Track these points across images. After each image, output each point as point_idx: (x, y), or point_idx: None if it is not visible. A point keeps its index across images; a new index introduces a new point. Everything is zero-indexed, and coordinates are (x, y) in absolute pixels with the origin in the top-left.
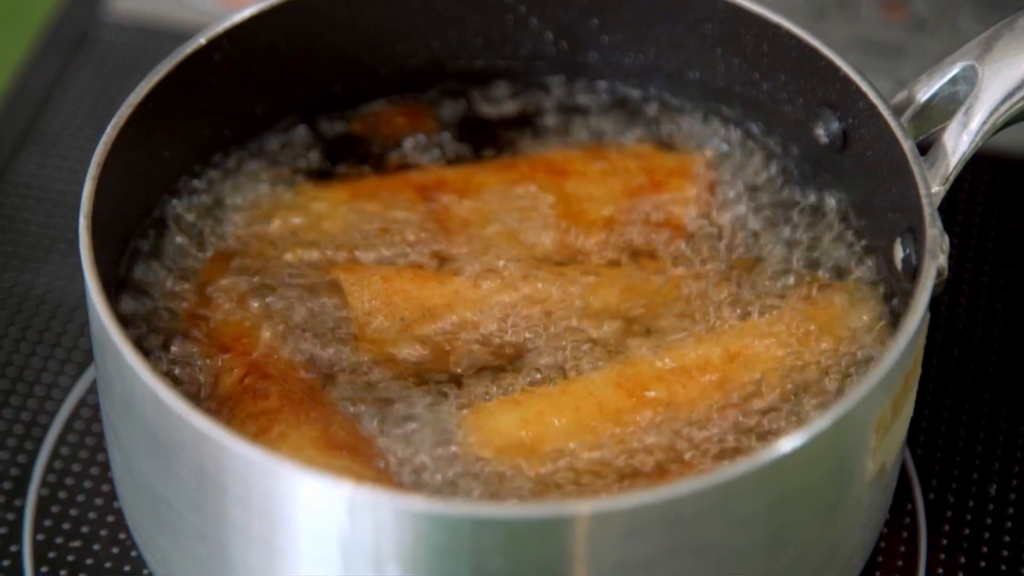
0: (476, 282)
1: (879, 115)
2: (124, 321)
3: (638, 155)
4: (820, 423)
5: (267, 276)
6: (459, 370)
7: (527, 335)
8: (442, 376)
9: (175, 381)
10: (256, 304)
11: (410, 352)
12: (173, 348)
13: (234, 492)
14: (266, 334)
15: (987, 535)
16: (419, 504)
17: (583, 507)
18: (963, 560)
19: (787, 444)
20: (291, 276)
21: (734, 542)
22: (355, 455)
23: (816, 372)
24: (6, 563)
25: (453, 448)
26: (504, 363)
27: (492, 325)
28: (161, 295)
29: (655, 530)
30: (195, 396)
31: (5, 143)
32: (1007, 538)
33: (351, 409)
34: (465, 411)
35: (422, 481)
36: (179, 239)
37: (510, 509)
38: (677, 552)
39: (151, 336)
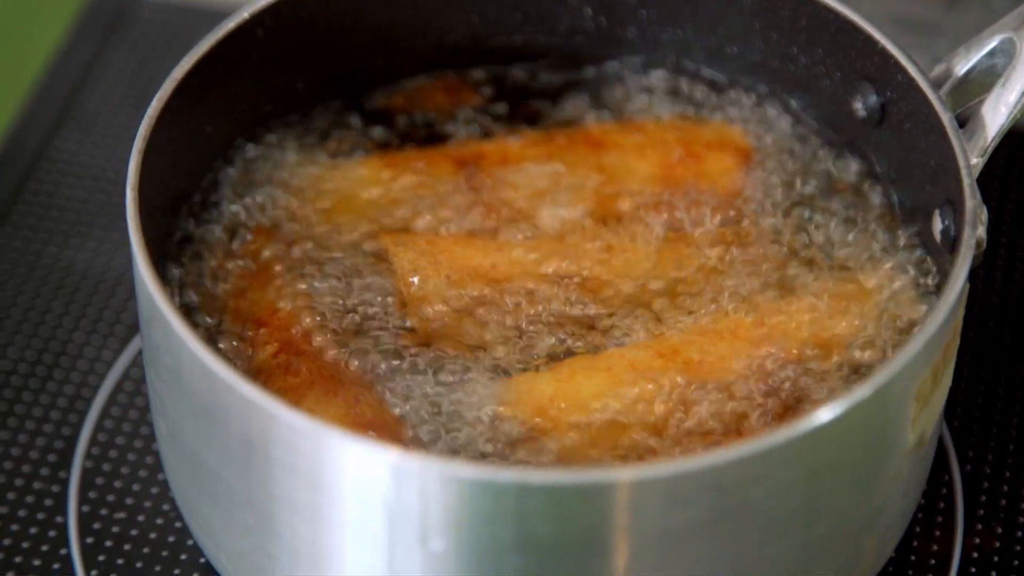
0: (519, 248)
1: (918, 88)
2: (167, 288)
3: (675, 128)
4: (861, 391)
5: (307, 250)
6: (497, 335)
7: (566, 304)
8: (480, 342)
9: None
10: (294, 278)
11: (454, 314)
12: (211, 320)
13: (281, 460)
14: (303, 309)
15: None
16: (464, 470)
17: (626, 473)
18: (1000, 530)
19: (828, 412)
20: (331, 250)
21: (775, 509)
22: (382, 433)
23: (852, 344)
24: (52, 534)
25: (485, 419)
26: (543, 330)
27: (533, 292)
28: (201, 269)
29: (696, 496)
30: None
31: (45, 121)
32: None
33: (385, 385)
34: (500, 381)
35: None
36: (220, 213)
37: (554, 475)
38: (719, 518)
39: (191, 309)
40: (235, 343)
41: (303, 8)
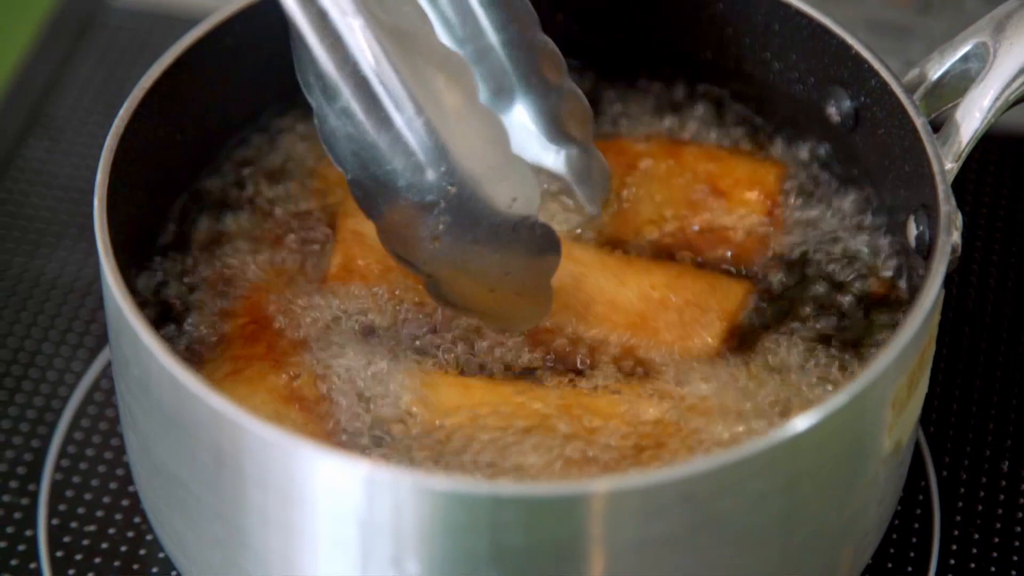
0: None
1: (891, 93)
2: (137, 298)
3: (709, 157)
4: (838, 399)
5: (274, 236)
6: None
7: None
8: (418, 333)
9: (181, 329)
10: (266, 259)
11: (395, 290)
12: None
13: (252, 473)
14: (274, 287)
15: (1000, 511)
16: (439, 482)
17: (599, 484)
18: (977, 536)
19: (804, 421)
20: (301, 235)
21: (751, 519)
22: (307, 412)
23: (825, 349)
24: (21, 548)
25: (408, 413)
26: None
27: None
28: (174, 271)
29: (672, 507)
30: (200, 341)
31: (12, 129)
32: (1020, 514)
33: (330, 364)
34: (423, 376)
35: (372, 445)
36: (193, 217)
37: (528, 487)
38: (695, 529)
39: (166, 296)
40: (206, 315)
41: (271, 15)
